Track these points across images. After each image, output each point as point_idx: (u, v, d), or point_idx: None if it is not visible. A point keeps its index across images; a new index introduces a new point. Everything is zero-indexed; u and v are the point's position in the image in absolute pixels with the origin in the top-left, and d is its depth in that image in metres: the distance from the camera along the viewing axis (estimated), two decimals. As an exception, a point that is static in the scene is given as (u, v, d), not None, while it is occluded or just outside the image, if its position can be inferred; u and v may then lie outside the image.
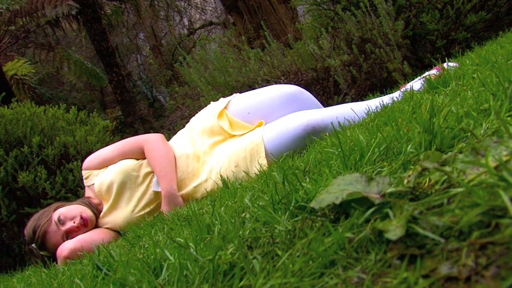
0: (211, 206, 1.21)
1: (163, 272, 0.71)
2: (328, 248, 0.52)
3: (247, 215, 0.81)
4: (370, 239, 0.50)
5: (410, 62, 3.52)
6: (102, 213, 2.14)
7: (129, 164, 2.11)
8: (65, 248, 1.95)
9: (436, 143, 0.73)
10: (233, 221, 0.80)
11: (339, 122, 1.67)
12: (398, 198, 0.54)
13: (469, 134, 0.70)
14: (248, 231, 0.70)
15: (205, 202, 1.54)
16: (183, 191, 2.05)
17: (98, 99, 16.63)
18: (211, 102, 2.31)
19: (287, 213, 0.71)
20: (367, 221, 0.53)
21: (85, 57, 13.03)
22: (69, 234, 2.05)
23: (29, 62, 9.80)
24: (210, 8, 14.66)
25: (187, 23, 15.46)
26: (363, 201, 0.55)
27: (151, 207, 2.09)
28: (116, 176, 2.08)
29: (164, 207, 1.97)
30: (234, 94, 2.29)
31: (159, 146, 2.10)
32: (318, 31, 3.89)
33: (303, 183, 0.80)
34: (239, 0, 8.63)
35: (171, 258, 0.75)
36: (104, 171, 2.16)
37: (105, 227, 2.14)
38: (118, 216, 2.09)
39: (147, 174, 2.11)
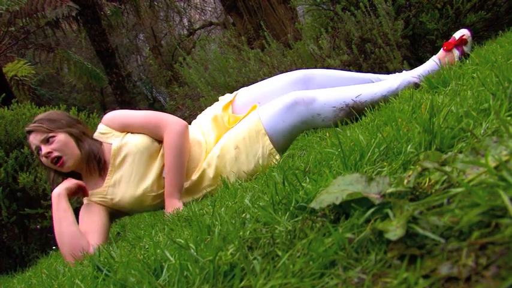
0: (211, 206, 1.21)
1: (163, 273, 0.71)
2: (329, 249, 0.52)
3: (248, 216, 0.82)
4: (370, 239, 0.50)
5: (410, 62, 3.52)
6: (106, 180, 2.03)
7: (153, 144, 2.03)
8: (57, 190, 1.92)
9: (436, 142, 0.73)
10: (233, 222, 0.81)
11: (338, 122, 1.67)
12: (399, 198, 0.54)
13: (469, 133, 0.70)
14: (248, 231, 0.71)
15: (206, 202, 1.54)
16: (193, 178, 2.03)
17: (98, 100, 16.65)
18: (220, 97, 2.31)
19: (287, 213, 0.71)
20: (367, 221, 0.53)
21: (85, 58, 13.03)
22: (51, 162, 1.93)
23: (29, 63, 9.81)
24: (210, 9, 14.66)
25: (187, 24, 15.47)
26: (363, 202, 0.55)
27: (159, 192, 2.04)
28: (137, 149, 1.99)
29: (166, 206, 1.95)
30: (242, 88, 2.28)
31: (179, 142, 1.97)
32: (318, 31, 3.89)
33: (303, 184, 0.80)
34: (239, 1, 8.64)
35: (171, 259, 0.75)
36: (126, 137, 2.04)
37: (109, 198, 2.03)
38: (126, 193, 2.01)
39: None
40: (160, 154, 2.03)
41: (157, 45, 15.21)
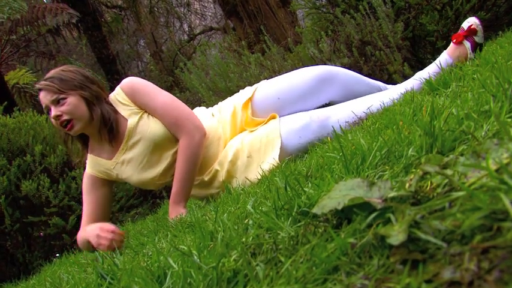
0: (214, 212, 1.21)
1: (167, 280, 0.72)
2: (331, 254, 0.52)
3: (250, 222, 0.82)
4: (372, 244, 0.50)
5: (410, 64, 3.52)
6: (116, 155, 2.01)
7: (169, 137, 1.98)
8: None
9: (437, 145, 0.73)
10: (236, 228, 0.81)
11: (340, 126, 1.67)
12: (400, 202, 0.54)
13: (470, 136, 0.70)
14: (251, 237, 0.71)
15: (208, 208, 1.54)
16: (205, 178, 2.05)
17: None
18: (240, 91, 2.27)
19: (290, 219, 0.71)
20: (370, 226, 0.53)
21: (86, 65, 13.06)
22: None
23: (30, 71, 9.83)
24: (210, 14, 14.70)
25: (187, 29, 15.50)
26: (365, 206, 0.55)
27: (166, 180, 2.06)
28: (153, 137, 1.95)
29: (171, 212, 1.95)
30: (261, 81, 2.23)
31: (195, 154, 1.94)
32: (318, 34, 3.89)
33: (305, 188, 0.80)
34: (239, 5, 8.65)
35: (174, 266, 0.75)
36: (143, 118, 1.98)
37: (115, 173, 2.03)
38: (133, 176, 2.01)
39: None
40: (174, 151, 2.01)
41: (158, 51, 15.23)
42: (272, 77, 2.30)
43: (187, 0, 12.85)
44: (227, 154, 2.00)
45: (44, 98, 1.88)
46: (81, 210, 3.48)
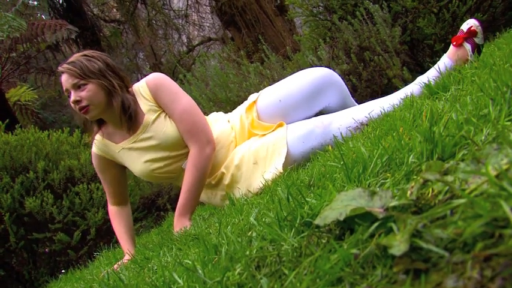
0: (218, 224, 1.21)
1: (172, 296, 0.72)
2: (335, 265, 0.52)
3: (254, 234, 0.82)
4: (375, 254, 0.50)
5: (409, 67, 3.53)
6: (125, 141, 2.05)
7: (180, 141, 2.01)
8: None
9: (438, 151, 0.73)
10: (240, 240, 0.81)
11: (341, 133, 1.68)
12: (402, 211, 0.54)
13: (470, 141, 0.70)
14: (255, 250, 0.71)
15: (212, 220, 1.54)
16: (212, 182, 2.10)
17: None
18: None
19: (293, 230, 0.71)
20: (372, 235, 0.54)
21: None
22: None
23: (31, 88, 9.86)
24: (208, 24, 14.74)
25: (186, 40, 15.55)
26: (367, 216, 0.55)
27: (170, 176, 2.11)
28: (164, 139, 1.99)
29: (176, 223, 1.96)
30: (265, 89, 2.27)
31: (205, 168, 1.98)
32: (316, 42, 3.91)
33: (307, 199, 0.80)
34: (236, 15, 8.69)
35: (179, 281, 0.75)
36: (160, 118, 2.02)
37: (119, 160, 2.11)
38: (136, 165, 2.05)
39: (187, 154, 2.05)
40: (181, 152, 2.05)
41: (158, 63, 15.29)
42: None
43: (185, 11, 12.91)
44: (234, 158, 2.04)
45: (66, 81, 1.92)
46: (85, 225, 3.49)
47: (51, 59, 9.84)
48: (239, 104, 2.39)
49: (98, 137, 2.11)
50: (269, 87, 2.23)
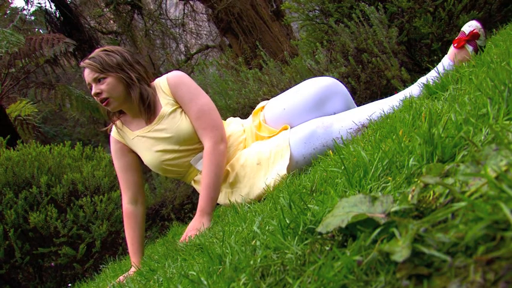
0: (222, 233, 1.21)
1: (178, 308, 0.72)
2: (338, 273, 0.52)
3: (258, 243, 0.82)
4: (378, 260, 0.50)
5: (408, 67, 3.53)
6: (141, 129, 2.15)
7: (193, 136, 2.11)
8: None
9: (438, 153, 0.73)
10: (244, 249, 0.81)
11: (341, 136, 1.68)
12: (403, 216, 0.54)
13: (469, 142, 0.70)
14: (259, 259, 0.71)
15: (217, 228, 1.54)
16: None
17: (102, 133, 16.71)
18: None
19: (296, 237, 0.71)
20: (375, 241, 0.54)
21: (86, 92, 13.12)
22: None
23: (31, 102, 9.89)
24: (205, 32, 14.77)
25: (183, 49, 15.57)
26: (369, 222, 0.55)
27: (178, 170, 2.18)
28: (177, 132, 2.09)
29: (194, 222, 1.96)
30: (272, 99, 2.35)
31: (222, 163, 2.06)
32: (314, 46, 3.91)
33: (309, 205, 0.80)
34: (233, 22, 8.71)
35: (185, 293, 0.75)
36: (175, 113, 2.12)
37: (133, 148, 2.20)
38: (148, 154, 2.14)
39: (196, 150, 2.16)
40: (192, 147, 2.14)
41: (156, 73, 15.32)
42: (272, 92, 2.36)
43: (182, 20, 12.93)
44: (239, 158, 2.12)
45: (87, 76, 2.06)
46: (90, 238, 3.49)
47: (50, 73, 9.88)
48: (238, 111, 2.44)
49: (117, 123, 2.22)
50: (275, 97, 2.29)
